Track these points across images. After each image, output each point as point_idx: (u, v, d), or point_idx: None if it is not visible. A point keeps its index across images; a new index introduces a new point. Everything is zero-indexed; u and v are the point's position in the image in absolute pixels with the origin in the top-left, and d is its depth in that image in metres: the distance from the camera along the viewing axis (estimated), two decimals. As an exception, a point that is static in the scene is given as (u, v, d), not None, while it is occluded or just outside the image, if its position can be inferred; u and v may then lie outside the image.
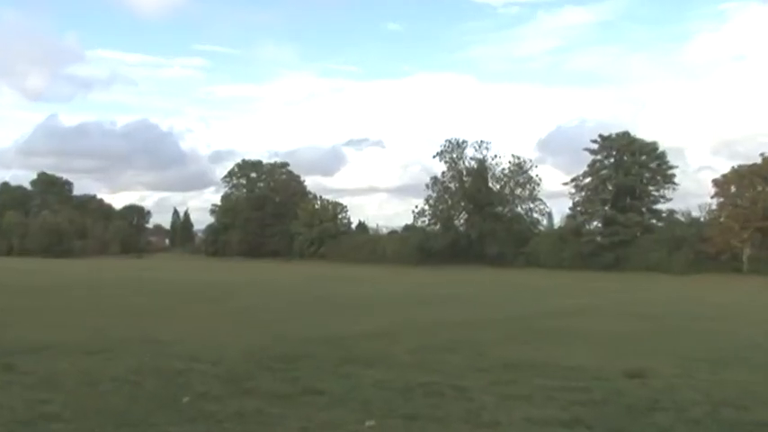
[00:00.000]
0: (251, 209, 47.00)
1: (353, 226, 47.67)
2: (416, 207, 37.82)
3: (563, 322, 8.91)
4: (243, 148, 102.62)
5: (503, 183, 36.72)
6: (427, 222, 37.60)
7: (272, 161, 52.10)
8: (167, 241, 59.09)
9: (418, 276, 26.10)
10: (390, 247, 39.40)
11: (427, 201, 37.42)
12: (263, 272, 27.72)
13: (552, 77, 75.07)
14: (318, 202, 46.67)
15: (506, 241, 33.83)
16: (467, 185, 36.84)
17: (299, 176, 50.74)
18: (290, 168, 50.91)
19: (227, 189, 50.74)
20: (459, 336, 7.25)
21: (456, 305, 12.25)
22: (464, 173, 37.14)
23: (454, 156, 37.03)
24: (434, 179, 37.61)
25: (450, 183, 37.55)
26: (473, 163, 37.03)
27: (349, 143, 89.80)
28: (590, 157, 33.28)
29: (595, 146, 33.27)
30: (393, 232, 47.92)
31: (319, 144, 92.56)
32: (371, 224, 51.43)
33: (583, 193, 33.38)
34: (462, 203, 37.15)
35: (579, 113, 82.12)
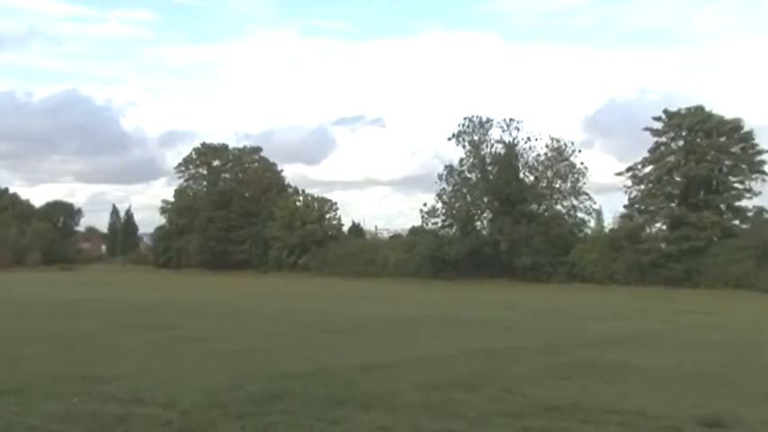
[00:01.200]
0: (213, 207, 47.41)
1: (345, 229, 48.32)
2: (426, 205, 37.83)
3: (615, 353, 8.90)
4: (203, 128, 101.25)
5: (538, 173, 36.58)
6: (440, 224, 37.70)
7: (240, 145, 52.98)
8: (104, 249, 58.66)
9: (429, 294, 26.42)
10: (393, 255, 39.86)
11: (440, 196, 37.49)
12: (229, 288, 28.08)
13: (601, 37, 76.80)
14: (300, 199, 47.19)
15: (543, 249, 33.79)
16: (492, 176, 36.83)
17: (275, 165, 51.38)
18: (263, 155, 51.58)
19: (182, 181, 51.45)
20: (481, 369, 7.24)
21: (478, 330, 12.34)
22: (488, 160, 37.17)
23: (475, 138, 37.06)
24: (449, 168, 37.72)
25: (470, 173, 37.70)
26: (499, 147, 37.01)
27: (340, 122, 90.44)
28: (652, 140, 32.01)
29: (659, 124, 31.78)
30: (396, 237, 49.59)
31: (302, 123, 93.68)
32: (369, 226, 53.39)
33: (642, 186, 32.43)
34: (486, 200, 37.28)
35: (637, 82, 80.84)
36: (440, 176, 37.69)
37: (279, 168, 51.20)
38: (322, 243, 43.75)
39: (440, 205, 37.24)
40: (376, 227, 55.49)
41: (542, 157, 36.23)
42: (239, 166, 50.76)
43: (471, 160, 37.34)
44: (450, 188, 37.20)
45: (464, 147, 37.25)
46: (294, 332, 11.67)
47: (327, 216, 46.52)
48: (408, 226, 47.31)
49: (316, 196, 47.01)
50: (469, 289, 30.00)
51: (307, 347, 9.28)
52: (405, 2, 79.54)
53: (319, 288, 29.79)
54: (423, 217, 37.87)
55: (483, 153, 37.04)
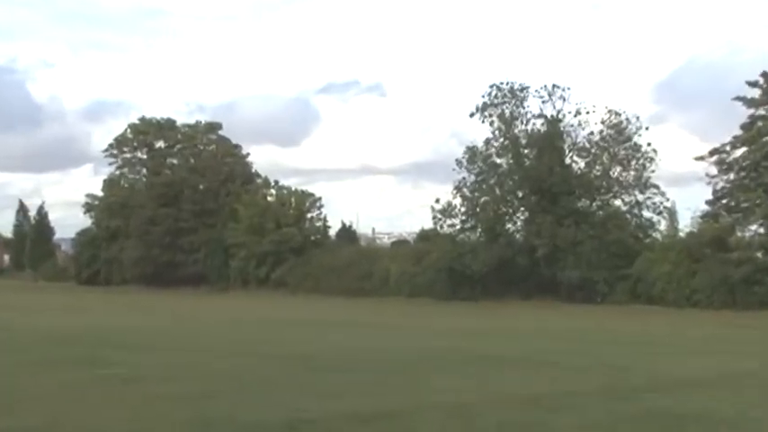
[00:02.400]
0: (156, 203, 47.61)
1: (333, 232, 48.69)
2: (439, 200, 37.68)
3: (696, 400, 8.91)
4: (142, 97, 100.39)
5: (591, 158, 36.33)
6: (459, 226, 37.73)
7: (192, 121, 53.68)
8: (7, 259, 59.60)
9: (445, 319, 26.51)
10: (396, 268, 40.04)
11: (459, 189, 37.37)
12: (177, 312, 28.12)
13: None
14: (273, 193, 47.55)
15: (596, 259, 33.56)
16: (528, 162, 36.84)
17: (239, 148, 51.70)
18: (223, 134, 51.91)
19: (113, 169, 51.73)
20: (516, 422, 7.25)
21: (510, 369, 12.33)
22: (524, 141, 37.16)
23: (506, 112, 36.90)
24: (472, 151, 37.55)
25: (499, 158, 37.66)
26: (539, 124, 36.90)
27: (326, 90, 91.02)
28: (746, 112, 30.77)
29: (755, 92, 30.48)
30: (401, 243, 49.79)
31: (275, 92, 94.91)
32: (364, 229, 54.12)
33: (732, 175, 31.56)
34: (520, 193, 37.20)
35: (726, 36, 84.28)
36: (458, 162, 37.60)
37: (244, 152, 51.61)
38: (302, 251, 43.99)
39: (458, 201, 37.27)
40: (374, 229, 55.91)
41: (596, 137, 35.97)
42: (191, 149, 51.16)
43: (501, 141, 37.28)
44: (473, 178, 37.25)
45: (491, 123, 37.19)
46: (264, 369, 11.68)
47: (309, 215, 46.69)
48: (416, 228, 47.53)
49: (294, 189, 47.29)
50: (498, 313, 30.08)
51: (281, 389, 9.32)
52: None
53: (298, 311, 29.87)
54: (435, 216, 37.75)
55: (517, 131, 37.01)
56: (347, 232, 49.60)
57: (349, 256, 42.47)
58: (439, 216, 37.51)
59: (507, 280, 35.82)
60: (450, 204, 37.20)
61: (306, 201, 46.71)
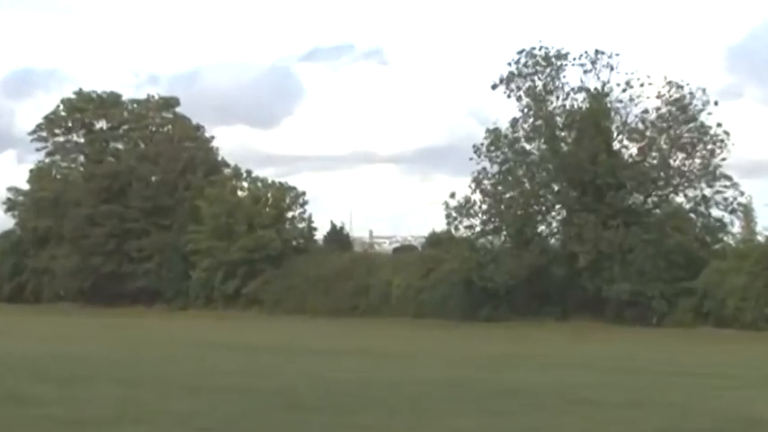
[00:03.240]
0: (97, 199, 47.84)
1: (320, 236, 49.31)
2: (454, 196, 38.12)
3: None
4: (77, 66, 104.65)
5: (645, 142, 36.72)
6: (479, 228, 38.02)
7: (142, 95, 54.05)
8: None
9: (462, 344, 26.86)
10: (401, 281, 40.46)
11: (479, 182, 37.78)
12: (122, 336, 28.34)
13: None
14: (245, 186, 48.26)
15: (651, 269, 33.71)
16: (566, 148, 37.07)
17: (201, 129, 52.55)
18: (181, 111, 52.43)
19: (42, 156, 52.21)
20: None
21: (543, 409, 12.32)
22: (560, 121, 37.43)
23: (538, 84, 37.25)
24: (494, 134, 37.83)
25: (529, 142, 37.97)
26: (580, 100, 37.35)
27: (312, 56, 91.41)
28: None
29: None
30: (405, 249, 50.21)
31: (247, 59, 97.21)
32: (360, 231, 54.63)
33: None
34: (556, 187, 37.49)
35: None
36: (478, 148, 37.95)
37: (208, 135, 52.49)
38: (281, 260, 44.28)
39: (478, 196, 37.66)
40: (371, 232, 55.70)
41: (652, 116, 36.33)
42: (141, 131, 51.47)
43: (531, 121, 37.52)
44: (497, 168, 37.63)
45: (519, 99, 37.63)
46: (232, 407, 11.67)
47: (290, 215, 47.16)
48: (425, 231, 47.65)
49: (271, 182, 47.66)
50: (528, 336, 30.29)
51: (255, 433, 9.14)
52: None
53: (276, 335, 30.03)
54: (449, 216, 38.17)
55: (552, 109, 37.26)
56: (338, 236, 49.72)
57: (340, 266, 42.72)
58: (454, 216, 37.82)
59: (539, 296, 36.20)
60: (467, 201, 37.53)
61: (286, 196, 46.91)
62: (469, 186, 37.77)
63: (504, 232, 37.58)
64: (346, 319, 39.16)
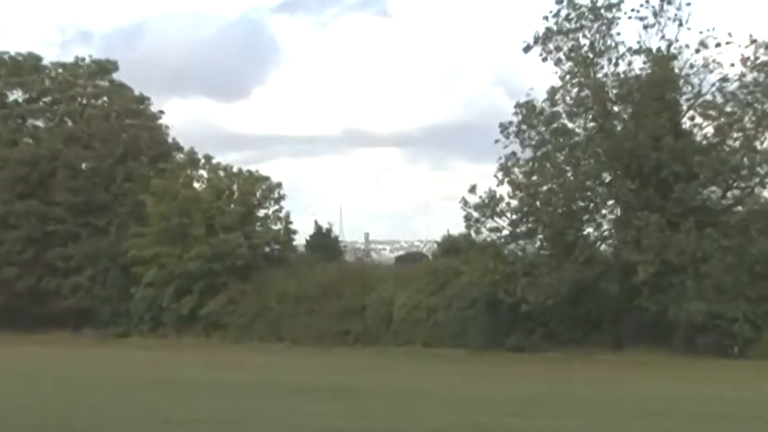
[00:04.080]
0: (10, 193, 48.01)
1: (300, 240, 49.81)
2: (475, 189, 37.74)
3: None
4: None
5: (724, 120, 36.24)
6: (508, 231, 37.87)
7: (68, 58, 54.21)
8: None
9: (485, 382, 26.73)
10: (405, 300, 40.59)
11: (507, 171, 37.55)
12: (42, 371, 28.24)
13: None
14: (204, 175, 48.67)
15: (733, 285, 33.37)
16: (621, 128, 36.81)
17: (146, 102, 52.77)
18: (120, 78, 52.85)
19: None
20: None
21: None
22: (612, 92, 37.25)
23: (582, 44, 37.01)
24: (527, 109, 37.62)
25: (572, 119, 37.80)
26: (638, 63, 36.99)
27: (290, 6, 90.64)
28: None
29: None
30: (411, 258, 50.91)
31: (206, 10, 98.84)
32: (352, 234, 55.79)
33: None
34: (608, 178, 37.36)
35: None
36: (505, 128, 37.69)
37: (156, 109, 52.77)
38: (250, 273, 44.66)
39: (506, 190, 37.48)
40: (367, 236, 55.58)
41: (733, 85, 35.88)
42: (68, 104, 51.53)
43: (576, 92, 37.32)
44: (530, 153, 37.50)
45: (559, 62, 37.27)
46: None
47: (263, 213, 47.54)
48: (437, 234, 47.49)
49: (237, 170, 47.95)
50: (571, 371, 30.22)
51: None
52: None
53: (243, 369, 30.00)
54: (468, 216, 37.88)
55: (601, 76, 37.13)
56: (324, 240, 49.84)
57: (327, 280, 42.86)
58: (474, 215, 37.64)
59: (585, 319, 36.19)
60: (492, 196, 37.36)
61: (257, 189, 47.10)
62: (495, 177, 37.43)
63: (540, 236, 37.31)
64: (335, 349, 39.19)
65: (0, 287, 46.53)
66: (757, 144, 35.54)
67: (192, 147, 50.52)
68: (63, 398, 20.45)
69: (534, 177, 36.96)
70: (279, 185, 47.54)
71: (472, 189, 37.50)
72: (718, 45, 35.41)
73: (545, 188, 36.73)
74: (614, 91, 37.00)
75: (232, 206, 46.13)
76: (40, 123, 52.07)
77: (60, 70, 52.40)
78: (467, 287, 37.81)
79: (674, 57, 36.23)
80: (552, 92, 37.23)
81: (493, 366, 33.26)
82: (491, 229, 37.66)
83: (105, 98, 51.86)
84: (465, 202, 37.55)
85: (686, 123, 36.75)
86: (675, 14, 35.72)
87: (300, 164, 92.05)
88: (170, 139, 51.81)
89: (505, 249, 37.62)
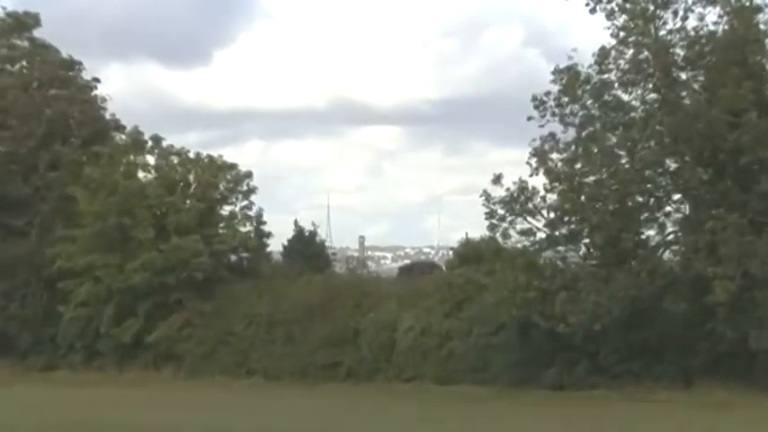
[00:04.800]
0: None
1: (276, 246, 50.64)
2: (499, 181, 37.67)
3: None
4: None
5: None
6: (545, 234, 37.80)
7: None
8: None
9: None
10: (412, 322, 40.66)
11: (542, 157, 37.48)
12: None
13: None
14: (151, 162, 48.88)
15: None
16: (690, 102, 36.59)
17: (78, 67, 52.98)
18: (42, 37, 52.64)
19: None
20: None
21: None
22: (678, 55, 37.09)
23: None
24: (569, 76, 37.38)
25: (626, 88, 37.58)
26: (712, 17, 36.79)
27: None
28: None
29: None
30: (420, 268, 50.48)
31: None
32: (343, 239, 54.91)
33: None
34: (673, 165, 37.21)
35: None
36: (541, 102, 37.57)
37: (89, 77, 52.94)
38: (212, 288, 44.93)
39: (541, 180, 37.45)
40: (363, 241, 54.99)
41: None
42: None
43: (632, 54, 37.21)
44: (573, 134, 37.55)
45: (611, 16, 37.17)
46: None
47: (228, 211, 48.07)
48: (451, 239, 47.38)
49: (195, 155, 48.33)
50: (628, 417, 30.24)
51: None
52: None
53: (204, 414, 30.03)
54: (492, 214, 37.84)
55: (665, 34, 37.08)
56: (308, 246, 50.07)
57: (312, 298, 43.01)
58: (500, 213, 37.62)
59: (645, 347, 36.19)
60: (523, 189, 37.35)
61: (221, 179, 47.42)
62: (527, 164, 37.29)
63: (586, 241, 37.20)
64: (321, 386, 39.23)
65: None
66: None
67: (137, 125, 50.33)
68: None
69: (578, 165, 36.86)
70: (249, 175, 47.77)
71: (497, 180, 37.47)
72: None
73: (592, 179, 36.63)
74: (681, 53, 36.85)
75: (188, 202, 46.20)
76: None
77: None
78: (491, 307, 37.79)
79: (759, 9, 36.15)
80: (602, 54, 37.05)
81: (525, 409, 33.27)
82: (522, 232, 37.58)
83: (24, 62, 51.82)
84: (488, 197, 37.51)
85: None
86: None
87: (276, 147, 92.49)
88: (108, 116, 51.88)
89: (541, 258, 37.57)
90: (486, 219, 37.80)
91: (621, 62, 37.10)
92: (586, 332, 35.08)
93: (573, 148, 37.11)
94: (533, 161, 37.18)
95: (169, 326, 43.92)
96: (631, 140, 36.64)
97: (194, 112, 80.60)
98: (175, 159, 47.82)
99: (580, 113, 37.19)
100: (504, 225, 37.52)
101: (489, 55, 74.19)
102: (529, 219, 37.32)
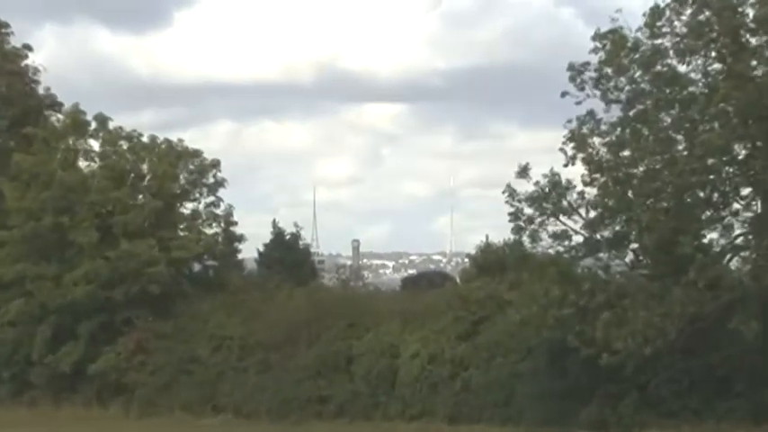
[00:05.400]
0: None
1: (250, 251, 51.14)
2: (526, 171, 37.88)
3: None
4: None
5: None
6: (582, 238, 37.99)
7: None
8: None
9: None
10: (418, 346, 40.81)
11: (580, 141, 37.53)
12: None
13: None
14: (94, 148, 49.15)
15: None
16: (761, 72, 36.69)
17: (3, 29, 53.25)
18: None
19: None
20: None
21: None
22: (748, 15, 36.83)
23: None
24: (612, 41, 37.32)
25: (681, 58, 37.50)
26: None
27: None
28: None
29: None
30: (427, 280, 50.73)
31: None
32: (334, 245, 54.76)
33: None
34: (743, 151, 37.20)
35: None
36: (577, 73, 37.72)
37: (18, 43, 53.32)
38: (169, 306, 45.38)
39: (579, 171, 37.52)
40: (357, 246, 54.77)
41: None
42: None
43: (690, 15, 37.16)
44: (617, 112, 37.61)
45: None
46: None
47: (190, 209, 48.82)
48: (467, 244, 47.44)
49: (149, 140, 48.66)
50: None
51: None
52: None
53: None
54: (517, 214, 38.05)
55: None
56: (289, 253, 50.36)
57: (293, 317, 43.16)
58: (527, 212, 37.83)
59: (707, 376, 36.24)
60: (556, 183, 37.55)
61: (181, 169, 47.86)
62: (561, 151, 37.25)
63: (635, 245, 37.21)
64: (307, 424, 39.59)
65: None
66: None
67: (77, 103, 50.37)
68: None
69: (625, 152, 36.81)
70: (216, 165, 48.07)
71: (524, 171, 37.64)
72: None
73: (642, 169, 36.56)
74: (752, 12, 36.78)
75: (141, 198, 46.52)
76: None
77: None
78: (517, 328, 38.02)
79: None
80: (654, 15, 37.03)
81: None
82: (555, 236, 37.60)
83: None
84: (512, 193, 37.64)
85: None
86: None
87: (250, 130, 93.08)
88: (41, 91, 52.18)
89: (578, 267, 37.60)
90: (511, 220, 37.92)
91: (678, 24, 37.06)
92: (635, 359, 34.89)
93: (618, 130, 37.19)
94: (569, 147, 37.24)
95: (117, 352, 44.11)
96: (690, 121, 36.59)
97: (148, 87, 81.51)
98: (125, 145, 47.99)
99: (627, 88, 37.24)
100: (533, 227, 37.70)
101: (514, 15, 74.62)
102: (563, 219, 37.50)
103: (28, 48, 52.54)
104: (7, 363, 45.41)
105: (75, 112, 49.64)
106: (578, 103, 37.28)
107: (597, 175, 36.79)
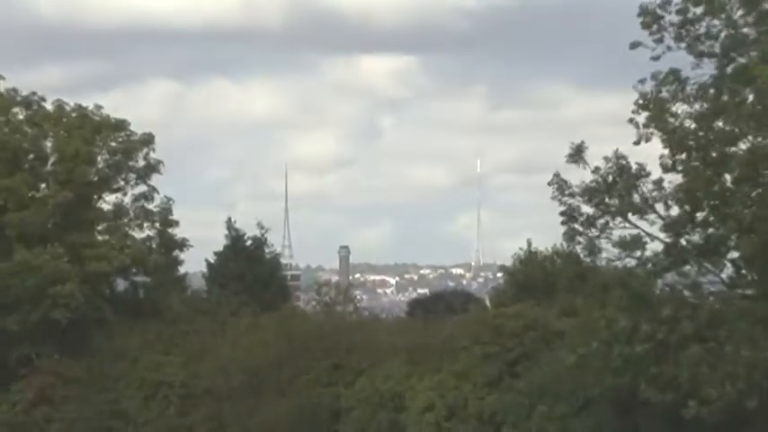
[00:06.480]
0: None
1: (197, 264, 53.50)
2: (579, 155, 38.57)
3: None
4: None
5: None
6: (662, 246, 38.26)
7: None
8: None
9: None
10: (430, 398, 41.01)
11: (656, 106, 37.88)
12: None
13: None
14: None
15: None
16: None
17: None
18: None
19: None
20: None
21: None
22: None
23: None
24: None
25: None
26: None
27: None
28: None
29: None
30: (442, 302, 51.16)
31: None
32: (314, 255, 54.82)
33: None
34: None
35: None
36: (654, 17, 38.23)
37: None
38: (83, 337, 45.99)
39: (656, 151, 38.13)
40: (347, 256, 54.52)
41: None
42: None
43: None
44: (709, 68, 37.96)
45: None
46: None
47: (111, 204, 50.12)
48: (501, 255, 48.08)
49: (53, 107, 49.94)
50: None
51: None
52: None
53: None
54: (569, 212, 38.81)
55: None
56: (251, 264, 51.07)
57: (259, 354, 43.72)
58: (584, 210, 38.56)
59: None
60: (622, 167, 38.16)
61: (100, 147, 49.06)
62: (631, 122, 37.84)
63: (735, 254, 37.65)
64: None
65: None
66: None
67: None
68: None
69: (719, 123, 37.27)
70: (148, 142, 49.20)
71: (577, 153, 38.33)
72: None
73: (744, 147, 36.91)
74: None
75: (43, 188, 47.27)
76: None
77: None
78: (570, 371, 38.31)
79: None
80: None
81: None
82: (623, 243, 37.85)
83: None
84: (562, 184, 38.28)
85: None
86: None
87: (196, 91, 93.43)
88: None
89: (656, 287, 38.00)
90: (563, 222, 38.50)
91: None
92: (733, 411, 35.45)
93: (711, 93, 37.44)
94: (642, 117, 37.60)
95: (11, 401, 44.87)
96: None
97: (55, 32, 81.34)
98: (20, 114, 48.80)
99: (723, 34, 37.61)
100: (593, 231, 38.26)
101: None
102: (634, 219, 37.87)
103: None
104: None
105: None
106: (655, 58, 37.72)
107: (681, 156, 37.15)
